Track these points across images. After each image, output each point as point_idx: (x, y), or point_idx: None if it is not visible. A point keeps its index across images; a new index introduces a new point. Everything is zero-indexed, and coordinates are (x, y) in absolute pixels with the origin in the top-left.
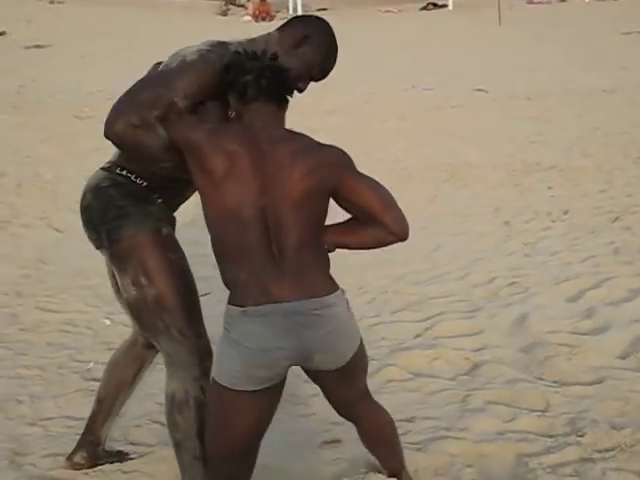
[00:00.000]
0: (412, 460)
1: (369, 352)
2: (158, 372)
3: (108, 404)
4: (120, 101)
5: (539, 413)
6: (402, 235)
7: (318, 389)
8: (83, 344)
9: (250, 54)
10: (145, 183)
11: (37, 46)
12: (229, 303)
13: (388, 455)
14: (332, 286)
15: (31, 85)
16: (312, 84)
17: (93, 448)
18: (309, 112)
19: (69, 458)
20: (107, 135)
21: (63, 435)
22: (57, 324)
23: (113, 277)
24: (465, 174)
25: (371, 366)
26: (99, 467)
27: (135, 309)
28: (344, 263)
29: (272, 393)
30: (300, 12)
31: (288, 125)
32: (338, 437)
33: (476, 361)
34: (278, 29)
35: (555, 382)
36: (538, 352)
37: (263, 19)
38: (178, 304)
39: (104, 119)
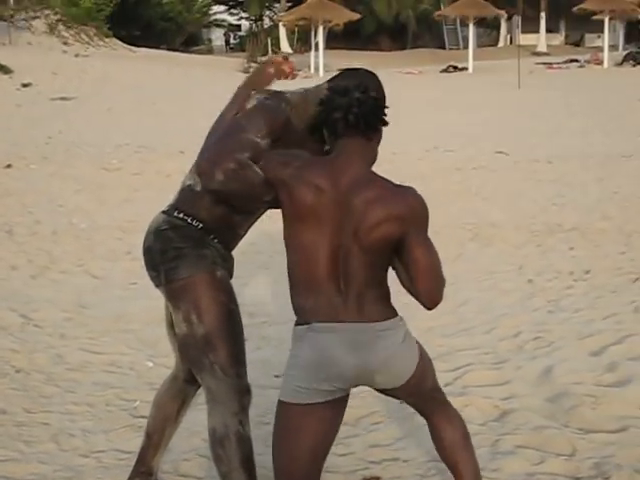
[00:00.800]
0: None
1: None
2: (200, 411)
3: (156, 438)
4: (209, 153)
5: (566, 457)
6: (429, 305)
7: (356, 430)
8: (128, 384)
9: (340, 90)
10: (201, 225)
11: (62, 98)
12: (296, 325)
13: (462, 465)
14: (392, 313)
15: (59, 137)
16: None
17: (146, 478)
18: None
19: None
20: (209, 187)
21: (115, 467)
22: (101, 365)
23: (169, 314)
24: (489, 233)
25: (404, 411)
26: None
27: (184, 344)
28: None
29: (336, 406)
30: (322, 72)
31: None
32: (377, 474)
33: (505, 409)
34: (329, 80)
35: (580, 429)
36: (564, 401)
37: (286, 77)
38: (224, 344)
39: (132, 171)
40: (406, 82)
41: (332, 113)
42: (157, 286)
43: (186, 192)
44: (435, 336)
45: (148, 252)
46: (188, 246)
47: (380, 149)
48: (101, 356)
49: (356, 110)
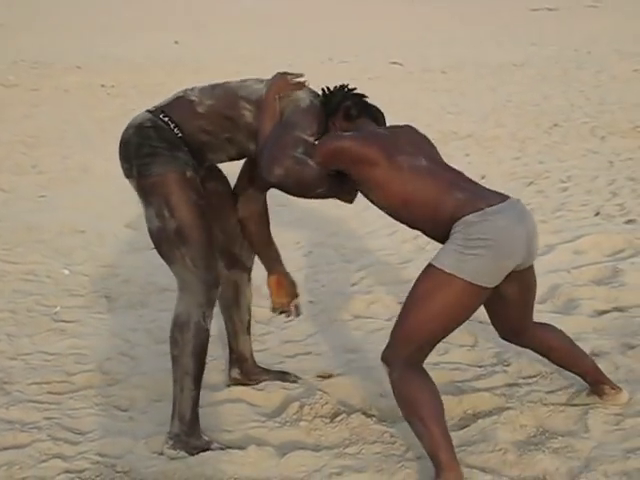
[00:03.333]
0: (360, 385)
1: (311, 298)
2: (121, 315)
3: (230, 326)
4: (267, 150)
5: (469, 347)
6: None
7: (269, 328)
8: (46, 291)
9: (335, 89)
10: (180, 135)
11: None
12: (459, 219)
13: (580, 357)
14: None
15: None
16: (234, 59)
17: (242, 364)
18: (225, 73)
19: (228, 375)
20: (271, 182)
21: (42, 367)
22: (19, 274)
23: None
24: None
25: (315, 308)
26: (82, 391)
27: (156, 238)
28: (281, 221)
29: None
30: None
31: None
32: (287, 370)
33: None
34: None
35: (481, 322)
36: None
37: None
38: (195, 237)
39: (30, 87)
40: None
41: (343, 102)
42: (127, 177)
43: (184, 104)
44: (341, 239)
45: (125, 144)
46: (163, 147)
47: (275, 62)
48: (18, 266)
49: (357, 99)
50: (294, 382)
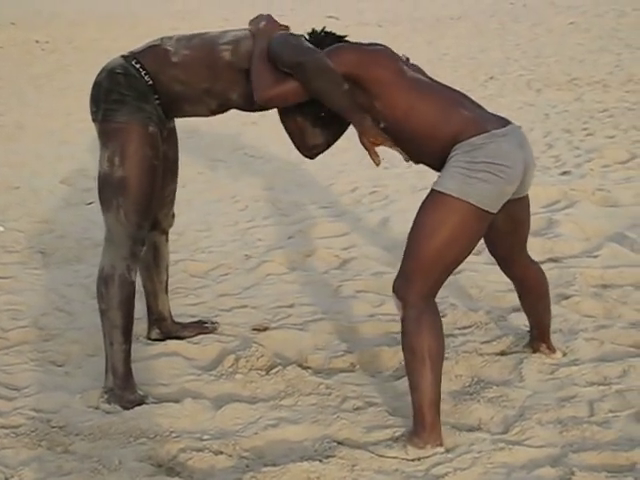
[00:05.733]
0: (295, 338)
1: (247, 252)
2: (57, 269)
3: (150, 286)
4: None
5: None
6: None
7: (205, 282)
8: None
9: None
10: (151, 82)
11: None
12: (462, 140)
13: (545, 310)
14: None
15: None
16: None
17: (161, 323)
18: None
19: (147, 336)
20: (295, 61)
21: None
22: None
23: None
24: None
25: (250, 262)
26: (17, 347)
27: (101, 182)
28: (217, 175)
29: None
30: None
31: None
32: (218, 321)
33: (345, 257)
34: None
35: None
36: (401, 250)
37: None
38: (135, 192)
39: None
40: None
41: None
42: (93, 121)
43: (158, 52)
44: (277, 193)
45: (96, 87)
46: (132, 95)
47: (211, 17)
48: None
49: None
50: (214, 330)
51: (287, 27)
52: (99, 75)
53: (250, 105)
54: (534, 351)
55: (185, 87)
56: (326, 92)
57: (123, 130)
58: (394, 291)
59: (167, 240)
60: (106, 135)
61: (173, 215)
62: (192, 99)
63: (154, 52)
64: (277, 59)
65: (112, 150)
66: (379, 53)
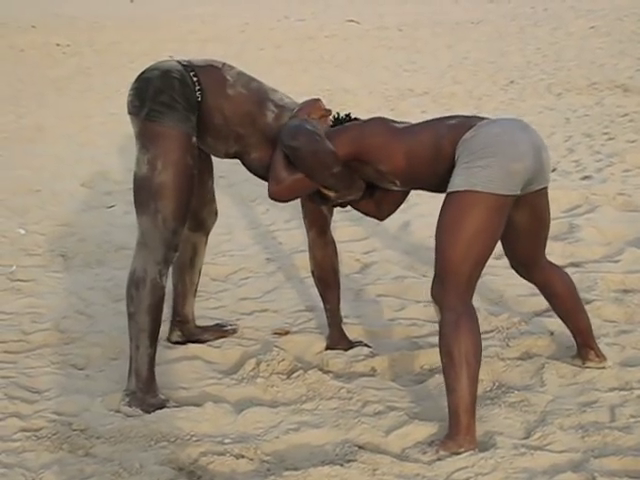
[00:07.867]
0: (317, 342)
1: (269, 255)
2: (78, 273)
3: (180, 287)
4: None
5: (425, 303)
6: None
7: (226, 285)
8: (2, 250)
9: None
10: (200, 99)
11: None
12: (459, 142)
13: (578, 313)
14: None
15: None
16: (189, 18)
17: (183, 326)
18: (187, 39)
19: (168, 338)
20: (290, 145)
21: None
22: None
23: None
24: (343, 99)
25: (271, 266)
26: (38, 350)
27: (139, 184)
28: (238, 178)
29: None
30: None
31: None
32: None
33: (366, 262)
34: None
35: None
36: (421, 253)
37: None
38: (175, 199)
39: None
40: None
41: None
42: (130, 114)
43: (218, 77)
44: None
45: (145, 82)
46: (182, 104)
47: (230, 22)
48: None
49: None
50: (234, 332)
51: (329, 111)
52: (150, 72)
53: (255, 172)
54: (584, 361)
55: (223, 122)
56: (313, 173)
57: (169, 135)
58: (432, 296)
59: (206, 242)
60: (148, 136)
61: (216, 212)
62: (220, 135)
63: (214, 74)
64: (280, 143)
65: (154, 154)
66: (368, 123)
